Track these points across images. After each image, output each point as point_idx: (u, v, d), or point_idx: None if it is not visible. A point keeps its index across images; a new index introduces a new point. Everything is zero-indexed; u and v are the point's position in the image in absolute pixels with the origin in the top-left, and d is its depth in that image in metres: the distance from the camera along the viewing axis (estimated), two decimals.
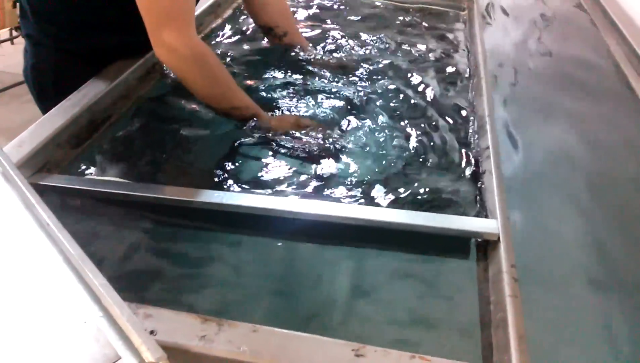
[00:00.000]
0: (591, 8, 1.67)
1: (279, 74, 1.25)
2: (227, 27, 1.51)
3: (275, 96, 1.16)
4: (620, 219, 0.87)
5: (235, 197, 0.83)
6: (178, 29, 0.93)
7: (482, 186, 0.88)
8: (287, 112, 1.11)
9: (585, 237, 0.83)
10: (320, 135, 1.02)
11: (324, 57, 1.35)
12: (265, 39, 1.38)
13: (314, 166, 0.95)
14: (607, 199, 0.91)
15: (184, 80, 1.00)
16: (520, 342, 0.60)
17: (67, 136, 0.97)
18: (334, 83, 1.23)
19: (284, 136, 1.01)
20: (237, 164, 0.96)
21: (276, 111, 1.11)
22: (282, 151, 0.99)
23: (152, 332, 0.60)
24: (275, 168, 0.95)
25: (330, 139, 1.01)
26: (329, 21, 1.58)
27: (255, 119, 1.03)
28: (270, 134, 1.02)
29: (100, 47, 1.13)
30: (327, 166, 0.95)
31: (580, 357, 0.66)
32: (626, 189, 0.94)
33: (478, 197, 0.87)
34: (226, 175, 0.93)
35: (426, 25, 1.57)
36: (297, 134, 1.02)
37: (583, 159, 1.01)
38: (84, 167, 0.93)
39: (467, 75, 1.28)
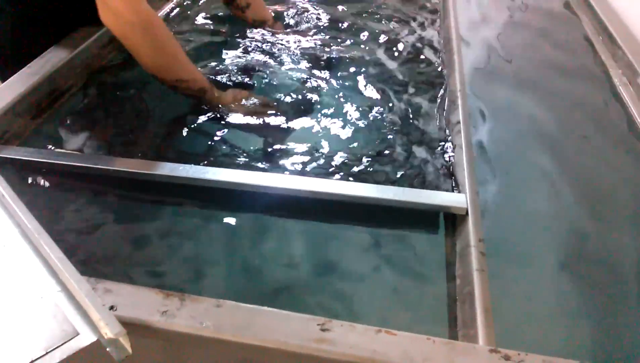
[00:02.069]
0: None
1: (237, 51, 1.22)
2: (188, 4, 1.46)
3: (231, 72, 1.14)
4: (590, 195, 0.88)
5: (201, 171, 0.80)
6: None
7: (452, 160, 0.87)
8: (239, 89, 1.07)
9: (555, 213, 0.84)
10: (273, 111, 1.01)
11: (287, 30, 1.32)
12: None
13: (268, 143, 0.94)
14: (577, 175, 0.91)
15: (130, 47, 0.95)
16: (487, 316, 0.60)
17: (26, 106, 0.94)
18: (296, 58, 1.21)
19: (234, 113, 1.00)
20: (196, 135, 0.95)
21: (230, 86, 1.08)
22: (235, 127, 0.97)
23: (111, 307, 0.58)
24: (232, 140, 0.94)
25: (287, 116, 1.00)
26: None
27: (204, 93, 0.99)
28: (220, 109, 1.00)
29: (62, 13, 1.08)
30: (285, 141, 0.94)
31: (547, 331, 0.66)
32: (597, 166, 0.94)
33: (448, 171, 0.86)
34: (187, 147, 0.91)
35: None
36: (249, 112, 1.00)
37: (554, 136, 1.01)
38: (44, 138, 0.90)
39: (439, 49, 1.26)
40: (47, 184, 0.81)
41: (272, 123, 0.98)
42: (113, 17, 0.90)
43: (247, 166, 0.87)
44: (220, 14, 1.38)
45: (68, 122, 0.94)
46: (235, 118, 0.99)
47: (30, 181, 0.82)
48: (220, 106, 1.00)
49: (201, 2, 1.45)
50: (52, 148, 0.88)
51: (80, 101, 1.00)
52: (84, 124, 0.94)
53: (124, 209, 0.79)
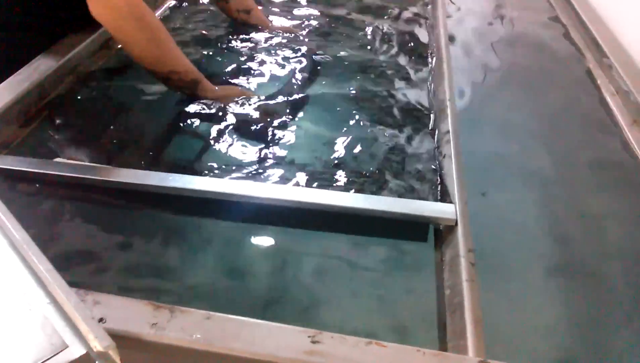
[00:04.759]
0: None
1: (228, 47, 1.24)
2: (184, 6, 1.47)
3: (223, 69, 1.15)
4: (578, 203, 0.88)
5: (189, 180, 0.80)
6: None
7: (442, 170, 0.88)
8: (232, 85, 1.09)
9: (543, 222, 0.84)
10: (263, 109, 1.02)
11: (274, 23, 1.34)
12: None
13: (262, 144, 0.94)
14: (565, 184, 0.92)
15: (120, 38, 0.95)
16: (477, 327, 0.60)
17: (15, 113, 0.93)
18: (285, 55, 1.23)
19: (229, 110, 1.00)
20: (187, 143, 0.95)
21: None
22: (229, 127, 0.98)
23: (101, 320, 0.58)
24: (225, 147, 0.94)
25: (279, 117, 1.01)
26: None
27: (196, 85, 0.99)
28: (212, 105, 1.00)
29: (51, 20, 1.08)
30: (276, 145, 0.95)
31: (537, 341, 0.66)
32: (584, 173, 0.95)
33: (438, 181, 0.87)
34: (178, 155, 0.92)
35: (389, 4, 1.56)
36: (241, 107, 1.01)
37: (541, 144, 1.02)
38: (32, 147, 0.89)
39: (428, 57, 1.27)
40: (35, 193, 0.81)
41: (263, 124, 0.99)
42: (104, 9, 0.90)
43: (237, 172, 0.87)
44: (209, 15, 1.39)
45: (57, 130, 0.94)
46: (227, 115, 0.99)
47: (18, 190, 0.81)
48: (211, 99, 1.01)
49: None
50: (41, 156, 0.87)
51: (69, 109, 0.99)
52: (73, 132, 0.94)
53: (113, 219, 0.79)
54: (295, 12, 1.48)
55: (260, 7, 1.37)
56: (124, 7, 0.89)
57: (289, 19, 1.42)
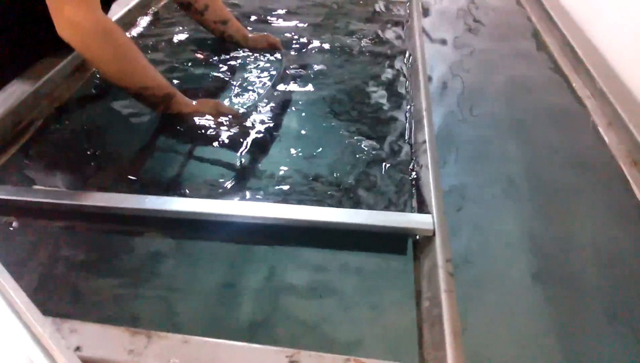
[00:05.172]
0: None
1: (205, 61, 1.26)
2: (160, 23, 1.47)
3: (199, 83, 1.17)
4: (555, 211, 0.89)
5: (167, 202, 0.80)
6: (81, 4, 0.87)
7: (419, 181, 0.88)
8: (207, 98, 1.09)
9: (520, 230, 0.84)
10: (240, 123, 1.02)
11: (251, 34, 1.34)
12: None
13: (239, 158, 0.95)
14: (541, 191, 0.93)
15: (90, 58, 0.95)
16: (456, 339, 0.60)
17: None
18: (261, 68, 1.25)
19: (205, 126, 1.00)
20: (164, 162, 0.95)
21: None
22: (205, 144, 0.98)
23: (77, 348, 0.57)
24: (201, 163, 0.95)
25: (256, 131, 1.01)
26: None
27: (169, 99, 0.99)
28: (187, 121, 1.01)
29: (23, 45, 1.08)
30: (252, 159, 0.95)
31: (516, 352, 0.66)
32: (558, 180, 0.96)
33: (414, 191, 0.87)
34: (155, 176, 0.92)
35: (365, 16, 1.58)
36: (218, 121, 1.02)
37: (517, 150, 1.03)
38: (9, 174, 0.89)
39: (405, 68, 1.28)
40: (11, 221, 0.80)
41: (239, 138, 1.00)
42: (71, 30, 0.89)
43: (216, 188, 0.87)
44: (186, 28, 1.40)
45: (32, 157, 0.93)
46: (203, 131, 1.00)
47: None
48: (187, 114, 1.01)
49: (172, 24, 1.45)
50: (17, 184, 0.87)
51: (45, 134, 0.98)
52: (49, 158, 0.93)
53: (89, 244, 0.78)
54: (273, 23, 1.50)
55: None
56: (90, 26, 0.88)
57: (266, 29, 1.43)
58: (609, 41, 1.31)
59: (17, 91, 1.01)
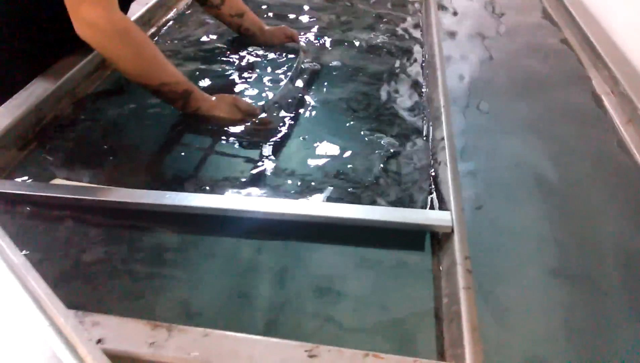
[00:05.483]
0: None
1: (223, 58, 1.27)
2: (179, 20, 1.48)
3: (217, 79, 1.18)
4: (574, 208, 0.88)
5: (186, 198, 0.80)
6: (98, 4, 0.88)
7: (437, 177, 0.88)
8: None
9: (539, 227, 0.84)
10: (258, 119, 1.03)
11: (268, 27, 1.35)
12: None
13: (255, 154, 0.96)
14: (560, 188, 0.92)
15: (108, 57, 0.97)
16: (474, 335, 0.60)
17: (12, 138, 0.94)
18: (280, 63, 1.26)
19: (225, 122, 1.02)
20: (184, 158, 0.96)
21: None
22: (225, 140, 1.00)
23: (99, 341, 0.58)
24: (222, 159, 0.96)
25: (275, 128, 1.03)
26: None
27: (188, 95, 1.00)
28: (206, 117, 1.02)
29: (44, 43, 1.09)
30: (270, 155, 0.96)
31: (535, 350, 0.66)
32: (577, 178, 0.95)
33: (432, 188, 0.87)
34: (175, 172, 0.93)
35: (382, 12, 1.58)
36: (234, 116, 1.03)
37: (538, 149, 1.02)
38: (30, 170, 0.90)
39: (422, 64, 1.28)
40: (33, 216, 0.81)
41: (257, 134, 1.01)
42: (89, 30, 0.91)
43: (235, 185, 0.88)
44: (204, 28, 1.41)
45: (54, 153, 0.94)
46: (223, 127, 1.01)
47: (16, 213, 0.82)
48: (205, 109, 1.02)
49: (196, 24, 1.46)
50: (39, 179, 0.88)
51: (66, 131, 1.00)
52: (70, 154, 0.95)
53: (111, 239, 0.79)
54: (290, 16, 1.52)
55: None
56: (106, 25, 0.90)
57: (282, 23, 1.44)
58: (628, 37, 1.30)
59: (39, 88, 1.02)
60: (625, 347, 0.66)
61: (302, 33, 1.40)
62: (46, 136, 0.98)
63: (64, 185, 0.85)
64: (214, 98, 1.04)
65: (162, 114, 1.04)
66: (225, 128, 1.01)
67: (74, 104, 1.07)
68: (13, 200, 0.83)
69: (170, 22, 1.46)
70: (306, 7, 1.59)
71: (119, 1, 0.92)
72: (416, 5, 1.64)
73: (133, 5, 1.28)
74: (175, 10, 1.52)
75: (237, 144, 0.98)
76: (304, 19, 1.52)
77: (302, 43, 1.33)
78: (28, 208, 0.82)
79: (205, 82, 1.18)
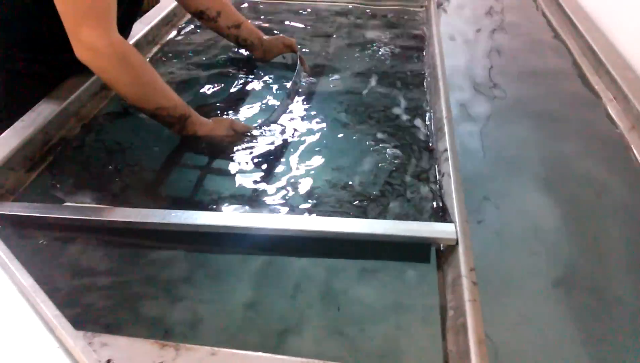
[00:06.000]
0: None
1: (220, 76, 1.29)
2: (183, 36, 1.50)
3: (212, 104, 1.19)
4: (578, 218, 0.88)
5: (192, 216, 0.81)
6: (97, 27, 0.89)
7: (441, 189, 0.88)
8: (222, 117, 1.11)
9: (543, 238, 0.84)
10: (256, 139, 1.04)
11: (266, 36, 1.36)
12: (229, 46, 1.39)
13: (257, 172, 0.97)
14: (564, 198, 0.92)
15: (106, 80, 0.97)
16: (480, 347, 0.60)
17: (20, 159, 0.95)
18: (275, 77, 1.28)
19: (221, 144, 1.03)
20: (188, 177, 0.97)
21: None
22: (224, 159, 1.00)
23: (108, 361, 0.59)
24: (224, 178, 0.96)
25: (272, 143, 1.04)
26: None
27: (185, 119, 1.01)
28: (203, 138, 1.03)
29: (51, 64, 1.11)
30: (271, 172, 0.97)
31: (542, 360, 0.66)
32: (583, 189, 0.95)
33: (436, 200, 0.87)
34: (180, 190, 0.94)
35: (383, 23, 1.59)
36: (232, 139, 1.04)
37: (539, 157, 1.02)
38: (38, 192, 0.91)
39: (424, 76, 1.29)
40: (42, 238, 0.82)
41: (257, 153, 1.02)
42: (88, 53, 0.92)
43: (240, 201, 0.89)
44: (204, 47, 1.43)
45: (62, 174, 0.95)
46: (220, 149, 1.02)
47: (25, 236, 0.83)
48: (202, 135, 1.03)
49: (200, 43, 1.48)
50: (47, 201, 0.89)
51: (73, 152, 1.01)
52: (77, 175, 0.96)
53: (119, 259, 0.80)
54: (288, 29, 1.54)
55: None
56: (105, 49, 0.91)
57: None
58: (631, 43, 1.30)
59: (46, 110, 1.03)
60: (633, 358, 0.66)
61: (300, 42, 1.41)
62: (54, 157, 0.99)
63: (72, 206, 0.86)
64: (210, 121, 1.05)
65: (167, 134, 1.04)
66: (224, 150, 1.02)
67: (81, 125, 1.08)
68: (23, 223, 0.83)
69: (174, 40, 1.48)
70: (304, 16, 1.60)
71: (119, 25, 0.93)
72: (417, 15, 1.65)
73: (136, 25, 1.29)
74: (177, 28, 1.54)
75: (237, 162, 0.99)
76: (302, 28, 1.54)
77: (299, 52, 1.34)
78: (36, 230, 0.83)
79: (202, 102, 1.19)
